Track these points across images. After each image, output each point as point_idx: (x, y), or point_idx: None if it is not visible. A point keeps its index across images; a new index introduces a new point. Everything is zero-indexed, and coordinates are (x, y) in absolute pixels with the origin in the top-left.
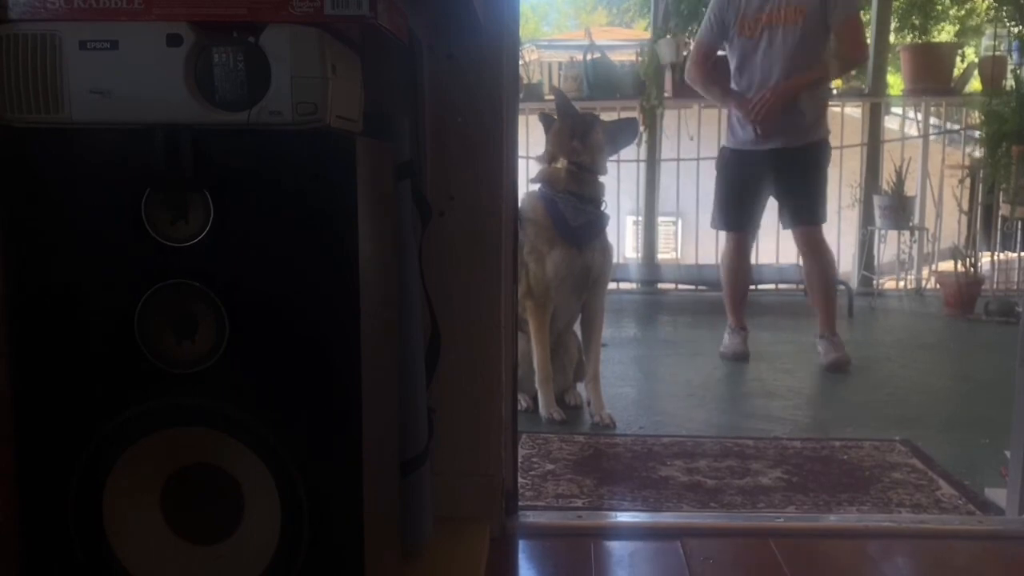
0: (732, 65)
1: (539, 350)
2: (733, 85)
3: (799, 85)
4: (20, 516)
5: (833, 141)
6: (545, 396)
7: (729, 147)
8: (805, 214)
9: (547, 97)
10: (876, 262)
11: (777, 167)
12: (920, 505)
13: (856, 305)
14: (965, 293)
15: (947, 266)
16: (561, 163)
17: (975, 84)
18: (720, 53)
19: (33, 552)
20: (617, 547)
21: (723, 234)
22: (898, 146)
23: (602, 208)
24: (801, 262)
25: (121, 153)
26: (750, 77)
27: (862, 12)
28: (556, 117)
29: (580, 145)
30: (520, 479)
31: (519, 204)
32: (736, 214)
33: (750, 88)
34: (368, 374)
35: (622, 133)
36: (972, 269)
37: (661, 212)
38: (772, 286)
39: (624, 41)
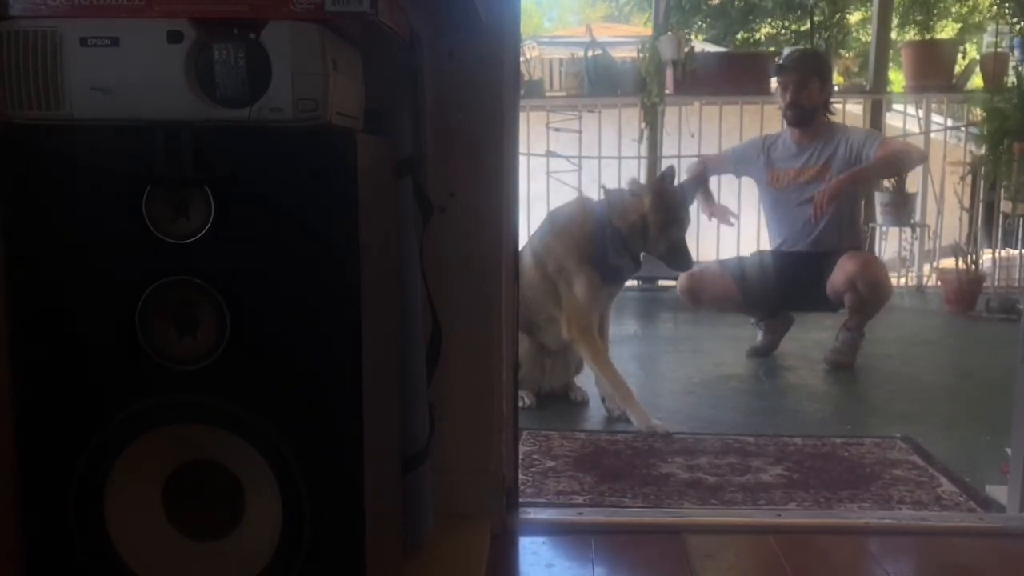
0: (765, 210)
1: (607, 374)
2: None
3: (856, 178)
4: (22, 513)
5: None
6: (636, 411)
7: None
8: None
9: (548, 94)
10: None
11: (800, 269)
12: (921, 502)
13: None
14: (966, 290)
15: (948, 263)
16: (639, 216)
17: (976, 81)
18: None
19: (35, 549)
20: (618, 544)
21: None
22: None
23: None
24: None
25: (122, 150)
26: (788, 225)
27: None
28: (664, 189)
29: (657, 230)
30: (521, 476)
31: (557, 208)
32: (766, 308)
33: (786, 237)
34: (369, 370)
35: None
36: (973, 266)
37: None
38: None
39: (625, 38)
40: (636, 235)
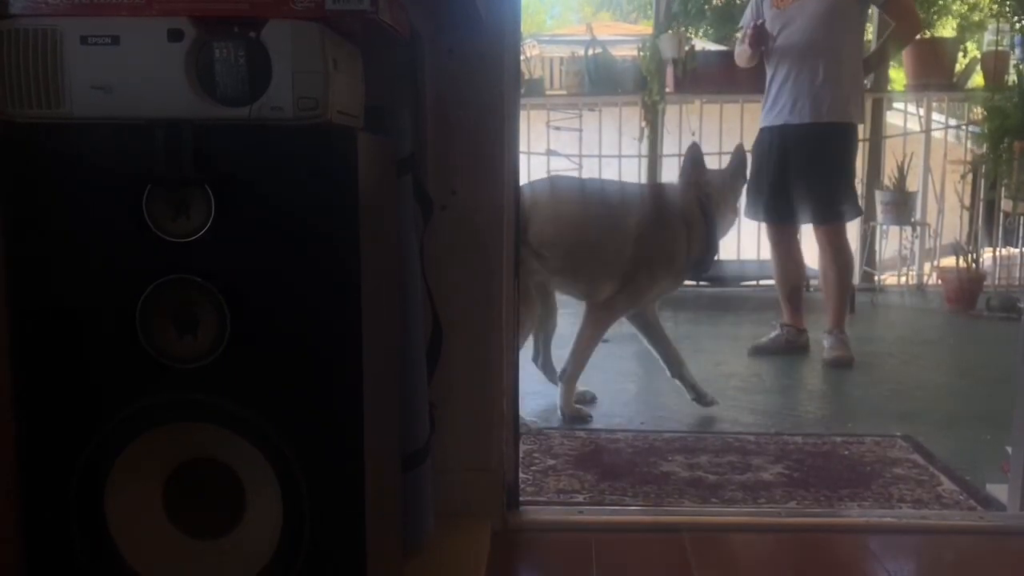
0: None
1: (586, 343)
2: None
3: None
4: (22, 512)
5: None
6: (569, 391)
7: (762, 126)
8: (823, 209)
9: (548, 93)
10: (878, 258)
11: (794, 146)
12: (921, 501)
13: (858, 301)
14: (967, 289)
15: (949, 262)
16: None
17: (977, 79)
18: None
19: (36, 548)
20: (618, 542)
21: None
22: (900, 141)
23: None
24: (818, 258)
25: (122, 148)
26: (785, 45)
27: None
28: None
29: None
30: (521, 474)
31: (659, 190)
32: (762, 202)
33: (785, 54)
34: (369, 369)
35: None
36: (974, 265)
37: None
38: (754, 283)
39: (626, 36)
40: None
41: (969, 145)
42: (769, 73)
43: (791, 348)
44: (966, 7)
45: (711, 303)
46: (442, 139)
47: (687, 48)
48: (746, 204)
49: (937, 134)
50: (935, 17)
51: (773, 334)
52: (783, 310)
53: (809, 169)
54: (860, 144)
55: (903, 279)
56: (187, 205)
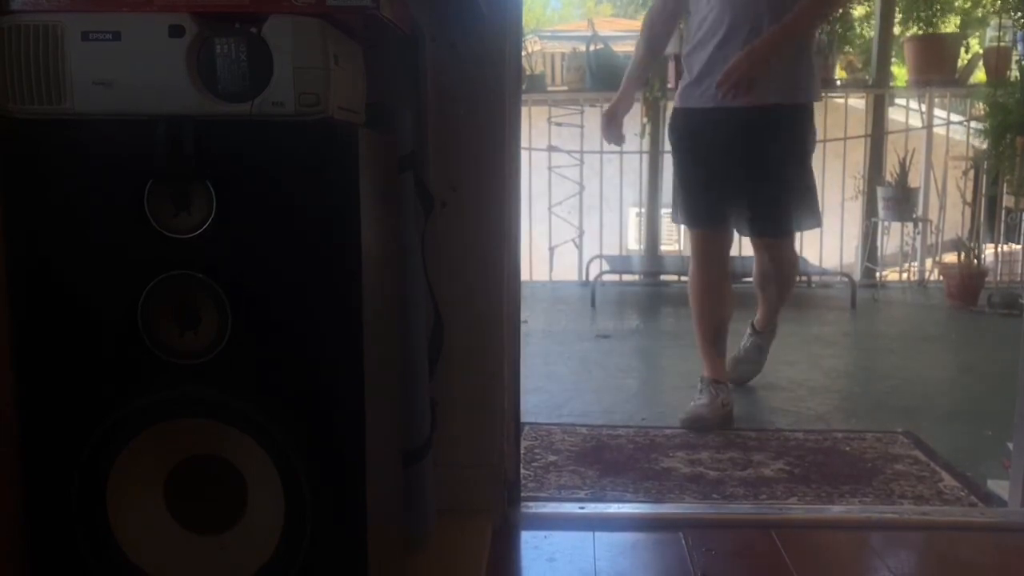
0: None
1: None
2: (688, 35)
3: (788, 32)
4: (24, 508)
5: (836, 132)
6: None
7: (678, 107)
8: (773, 219)
9: (550, 89)
10: (879, 254)
11: (732, 135)
12: (922, 497)
13: (859, 297)
14: (968, 285)
15: (950, 258)
16: None
17: (980, 75)
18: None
19: (38, 543)
20: (619, 538)
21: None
22: (902, 137)
23: None
24: (755, 265)
25: (123, 144)
26: (711, 21)
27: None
28: None
29: None
30: (522, 470)
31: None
32: (692, 202)
33: (720, 18)
34: (371, 365)
35: None
36: (975, 261)
37: (664, 204)
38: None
39: (627, 32)
40: None
41: (971, 141)
42: (692, 38)
43: (728, 416)
44: (968, 3)
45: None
46: (443, 135)
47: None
48: (673, 205)
49: (939, 130)
50: (937, 13)
51: (702, 400)
52: (706, 359)
53: (755, 165)
54: (861, 141)
55: (905, 275)
56: (188, 201)
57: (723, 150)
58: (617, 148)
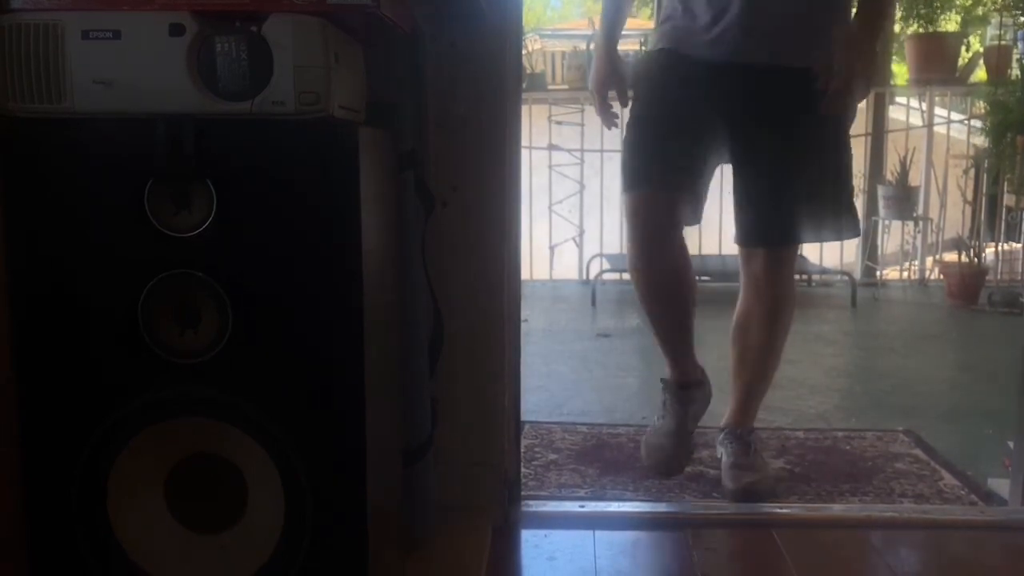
0: None
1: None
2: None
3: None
4: (25, 507)
5: None
6: None
7: (667, 47)
8: (776, 221)
9: (550, 87)
10: (880, 252)
11: (747, 101)
12: (923, 495)
13: (859, 296)
14: (969, 284)
15: (951, 257)
16: None
17: (980, 74)
18: None
19: (38, 542)
20: (619, 536)
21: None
22: (902, 136)
23: None
24: (741, 295)
25: (124, 143)
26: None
27: None
28: None
29: None
30: (523, 469)
31: None
32: (656, 161)
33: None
34: (371, 363)
35: None
36: (976, 259)
37: None
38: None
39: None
40: None
41: (972, 140)
42: None
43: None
44: (969, 1)
45: (712, 298)
46: (444, 134)
47: None
48: (629, 165)
49: (940, 129)
50: (938, 11)
51: (660, 421)
52: (671, 358)
53: (780, 139)
54: (861, 139)
55: (905, 274)
56: (189, 200)
57: (729, 116)
58: (618, 148)
